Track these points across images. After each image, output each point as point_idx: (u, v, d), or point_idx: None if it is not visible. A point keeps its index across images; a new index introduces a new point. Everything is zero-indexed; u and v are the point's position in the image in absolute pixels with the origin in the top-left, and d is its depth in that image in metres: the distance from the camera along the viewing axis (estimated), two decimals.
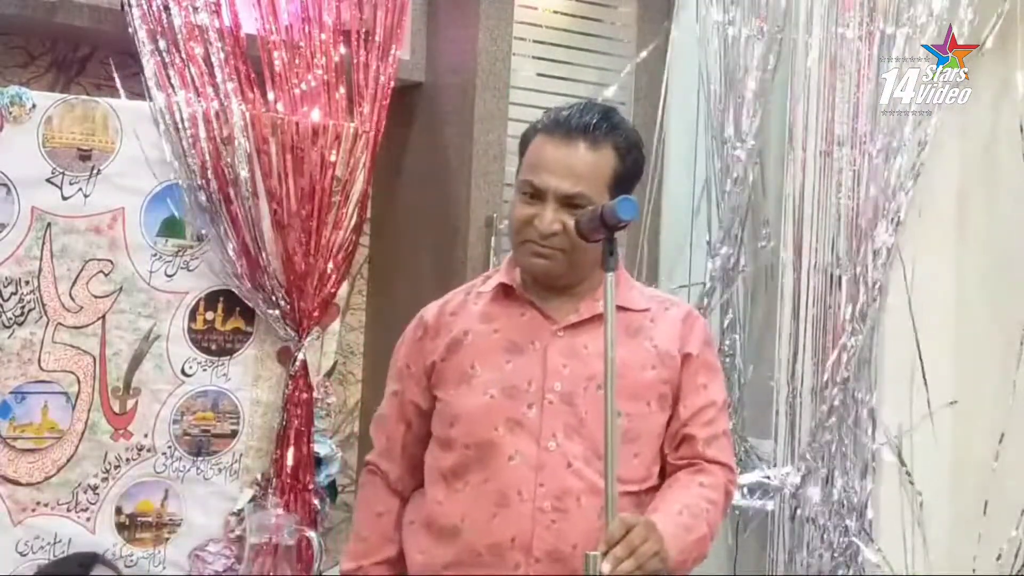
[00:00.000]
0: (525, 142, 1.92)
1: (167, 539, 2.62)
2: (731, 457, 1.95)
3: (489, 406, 1.86)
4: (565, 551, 1.80)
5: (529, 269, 1.89)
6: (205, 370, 2.65)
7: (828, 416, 2.70)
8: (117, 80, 2.68)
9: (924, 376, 2.73)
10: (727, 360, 2.96)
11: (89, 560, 2.47)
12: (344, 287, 2.83)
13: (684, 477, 1.88)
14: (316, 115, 2.71)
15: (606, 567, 1.62)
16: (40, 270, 2.49)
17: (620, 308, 1.83)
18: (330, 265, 2.72)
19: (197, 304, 2.64)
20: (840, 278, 2.71)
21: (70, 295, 2.52)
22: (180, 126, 2.58)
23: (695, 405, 1.90)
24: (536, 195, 1.85)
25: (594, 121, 1.86)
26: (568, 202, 1.83)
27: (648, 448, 1.89)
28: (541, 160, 1.86)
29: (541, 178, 1.84)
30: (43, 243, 2.49)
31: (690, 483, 1.87)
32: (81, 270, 2.53)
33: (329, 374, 2.84)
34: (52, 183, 2.50)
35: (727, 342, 2.99)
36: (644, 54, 3.26)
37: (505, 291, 1.93)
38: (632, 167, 1.91)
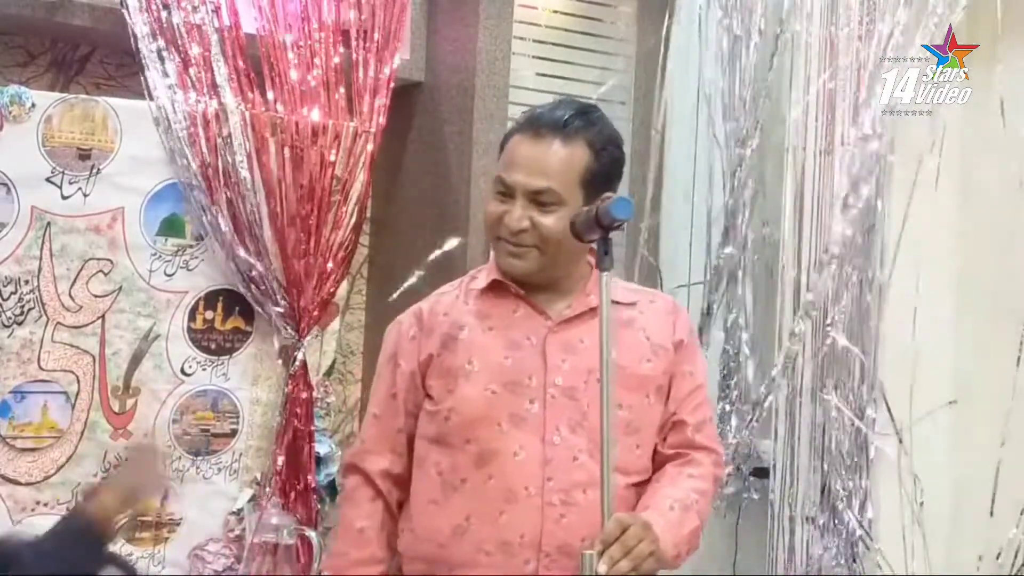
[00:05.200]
0: (504, 142, 1.93)
1: (167, 539, 2.62)
2: (717, 442, 2.01)
3: (490, 402, 1.86)
4: (575, 545, 1.80)
5: (505, 268, 1.90)
6: (205, 369, 2.65)
7: (828, 416, 2.70)
8: (116, 80, 2.68)
9: (924, 376, 2.73)
10: (728, 360, 2.96)
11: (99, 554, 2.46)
12: (344, 287, 2.84)
13: (672, 470, 1.92)
14: (316, 115, 2.71)
15: (602, 567, 1.64)
16: (40, 269, 2.49)
17: (611, 302, 1.85)
18: (330, 264, 2.72)
19: (197, 303, 2.64)
20: (840, 278, 2.71)
21: (70, 294, 2.52)
22: (180, 125, 2.58)
23: (684, 390, 1.95)
24: (507, 192, 1.86)
25: (566, 116, 1.86)
26: (535, 198, 1.84)
27: (649, 439, 1.93)
28: (513, 157, 1.87)
29: (511, 175, 1.86)
30: (43, 242, 2.49)
31: (679, 476, 1.90)
32: (81, 269, 2.53)
33: (329, 373, 2.84)
34: (52, 182, 2.50)
35: (729, 342, 2.99)
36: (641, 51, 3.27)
37: (496, 287, 1.94)
38: (608, 164, 1.89)
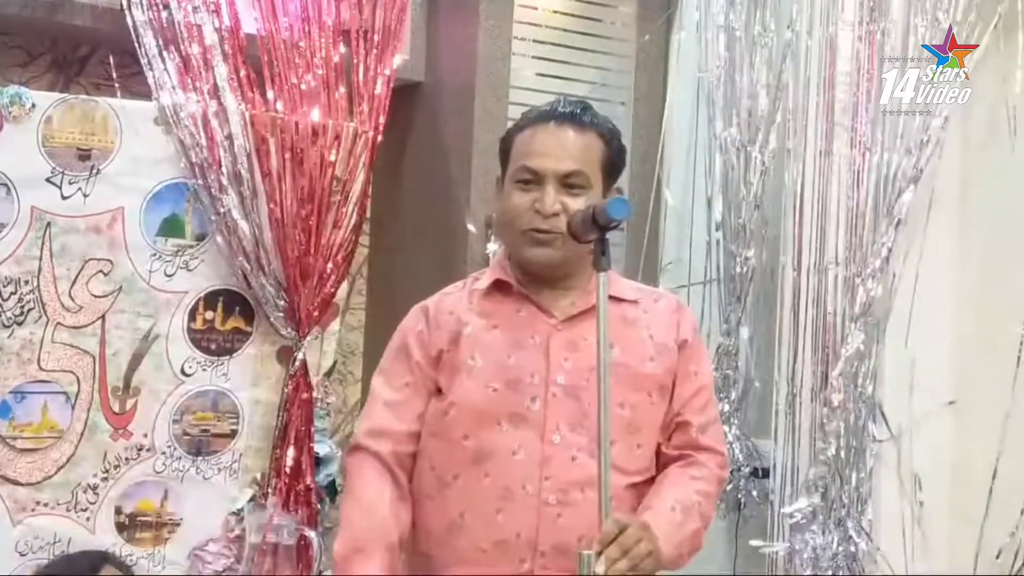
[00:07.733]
0: (507, 141, 1.96)
1: (167, 539, 2.62)
2: (722, 443, 2.00)
3: (491, 399, 1.86)
4: (571, 544, 1.79)
5: (530, 259, 1.89)
6: (205, 370, 2.65)
7: (828, 416, 2.69)
8: (116, 80, 2.69)
9: (924, 376, 2.73)
10: (728, 360, 2.96)
11: (98, 560, 2.47)
12: (344, 287, 2.84)
13: (675, 471, 1.92)
14: (316, 115, 2.71)
15: (600, 568, 1.63)
16: (40, 270, 2.49)
17: (613, 298, 1.87)
18: (330, 265, 2.72)
19: (197, 304, 2.64)
20: (840, 278, 2.71)
21: (70, 295, 2.52)
22: (180, 126, 2.58)
23: (689, 391, 1.95)
24: (534, 180, 1.87)
25: (577, 111, 1.92)
26: (566, 181, 1.87)
27: (650, 439, 1.92)
28: (535, 146, 1.89)
29: (537, 162, 1.87)
30: (43, 243, 2.49)
31: (681, 476, 1.90)
32: (81, 270, 2.53)
33: (329, 374, 2.84)
34: (52, 183, 2.50)
35: (728, 342, 2.98)
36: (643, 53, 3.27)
37: (500, 287, 1.94)
38: (618, 154, 1.95)
